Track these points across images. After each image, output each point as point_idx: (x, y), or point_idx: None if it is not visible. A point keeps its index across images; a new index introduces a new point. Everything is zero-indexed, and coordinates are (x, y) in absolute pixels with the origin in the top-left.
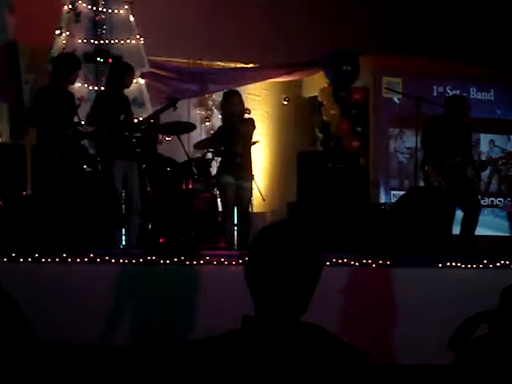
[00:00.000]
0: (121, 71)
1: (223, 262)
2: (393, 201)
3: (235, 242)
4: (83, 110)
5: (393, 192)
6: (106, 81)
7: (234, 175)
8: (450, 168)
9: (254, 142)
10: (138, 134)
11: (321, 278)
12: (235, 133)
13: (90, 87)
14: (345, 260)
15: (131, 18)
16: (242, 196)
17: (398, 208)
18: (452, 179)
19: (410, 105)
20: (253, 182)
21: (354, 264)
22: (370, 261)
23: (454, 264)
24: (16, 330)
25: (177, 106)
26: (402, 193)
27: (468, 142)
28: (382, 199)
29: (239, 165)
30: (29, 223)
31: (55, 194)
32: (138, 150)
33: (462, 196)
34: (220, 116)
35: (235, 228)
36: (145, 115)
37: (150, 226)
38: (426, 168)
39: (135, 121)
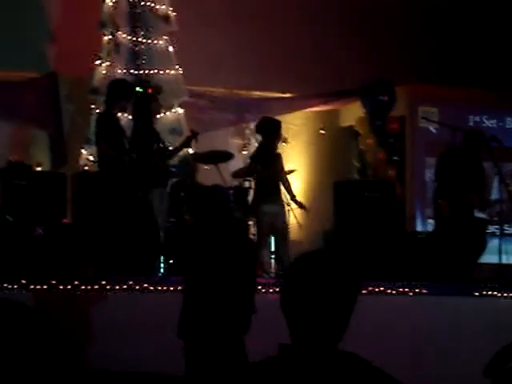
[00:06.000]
0: (141, 101)
1: (260, 289)
2: (429, 229)
3: (272, 270)
4: None
5: (429, 220)
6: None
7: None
8: (462, 203)
9: (291, 171)
10: (175, 163)
11: (357, 306)
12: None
13: (130, 117)
14: (381, 288)
15: (170, 49)
16: (278, 223)
17: (435, 237)
18: (462, 215)
19: (446, 134)
20: (289, 209)
21: (391, 292)
22: (406, 289)
23: (490, 293)
24: (57, 357)
25: (197, 138)
26: None
27: (481, 178)
28: (419, 228)
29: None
30: (69, 251)
31: (101, 222)
32: (174, 180)
33: (467, 233)
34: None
35: (272, 256)
36: None
37: None
38: (440, 201)
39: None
